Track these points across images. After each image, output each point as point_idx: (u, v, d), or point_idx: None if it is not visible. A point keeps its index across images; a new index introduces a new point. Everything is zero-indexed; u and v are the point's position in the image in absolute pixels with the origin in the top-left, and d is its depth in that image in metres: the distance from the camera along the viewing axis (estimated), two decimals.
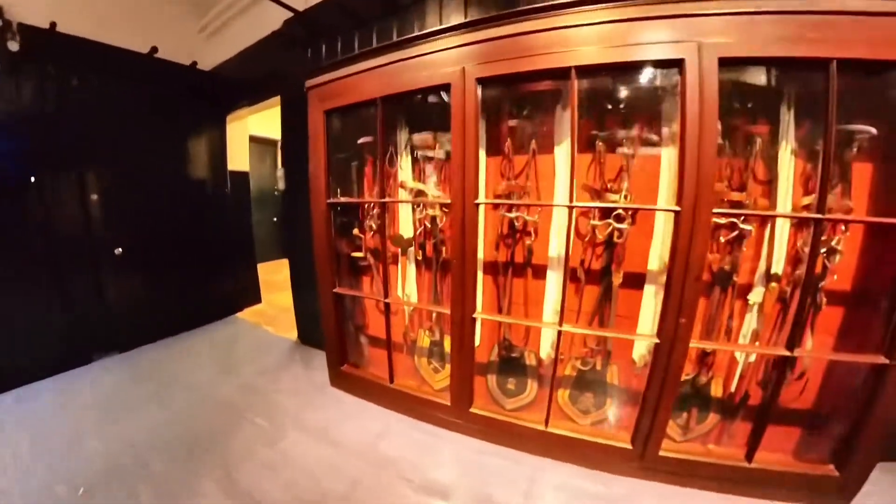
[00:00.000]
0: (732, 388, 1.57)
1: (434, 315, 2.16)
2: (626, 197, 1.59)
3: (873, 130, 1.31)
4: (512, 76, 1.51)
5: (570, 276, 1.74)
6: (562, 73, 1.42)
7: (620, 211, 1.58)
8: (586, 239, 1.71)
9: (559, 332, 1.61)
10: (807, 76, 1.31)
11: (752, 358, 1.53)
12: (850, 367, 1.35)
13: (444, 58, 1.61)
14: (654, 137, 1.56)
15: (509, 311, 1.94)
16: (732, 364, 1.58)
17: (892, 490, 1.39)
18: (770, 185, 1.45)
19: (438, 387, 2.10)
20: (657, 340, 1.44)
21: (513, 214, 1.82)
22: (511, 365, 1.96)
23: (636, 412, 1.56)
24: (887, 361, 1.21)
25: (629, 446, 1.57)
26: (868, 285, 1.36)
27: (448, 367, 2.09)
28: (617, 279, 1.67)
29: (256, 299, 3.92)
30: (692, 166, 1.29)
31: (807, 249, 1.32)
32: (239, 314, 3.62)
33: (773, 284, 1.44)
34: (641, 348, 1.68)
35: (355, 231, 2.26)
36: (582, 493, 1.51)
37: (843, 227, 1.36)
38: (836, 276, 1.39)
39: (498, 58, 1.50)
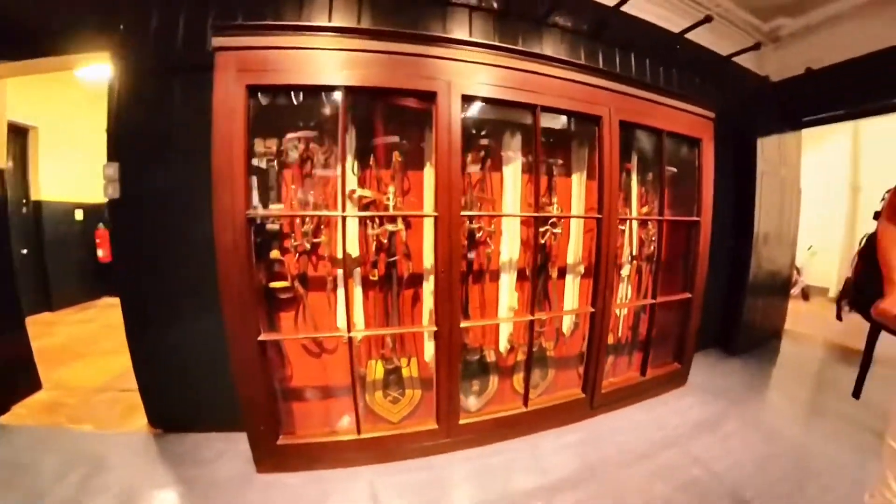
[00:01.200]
0: (619, 334, 2.40)
1: (391, 340, 1.96)
2: (558, 209, 2.12)
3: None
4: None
5: (519, 275, 2.10)
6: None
7: (554, 219, 2.08)
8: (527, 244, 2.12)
9: (531, 322, 1.93)
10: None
11: (625, 311, 2.40)
12: (674, 303, 2.37)
13: (435, 66, 1.60)
14: (561, 164, 2.18)
15: (468, 315, 2.06)
16: (615, 320, 2.38)
17: (703, 367, 2.57)
18: (626, 200, 2.32)
19: (398, 418, 1.93)
20: (592, 310, 2.02)
21: (475, 225, 1.98)
22: (471, 367, 2.08)
23: (570, 373, 2.10)
24: (689, 295, 2.29)
25: (581, 394, 2.08)
26: (674, 256, 2.45)
27: (410, 392, 1.97)
28: (553, 273, 2.16)
29: (33, 384, 2.21)
30: (609, 188, 1.94)
31: (646, 239, 2.25)
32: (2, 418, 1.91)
33: (633, 262, 2.33)
34: (568, 321, 2.24)
35: (274, 254, 1.72)
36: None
37: (655, 225, 2.37)
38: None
39: (471, 78, 1.67)
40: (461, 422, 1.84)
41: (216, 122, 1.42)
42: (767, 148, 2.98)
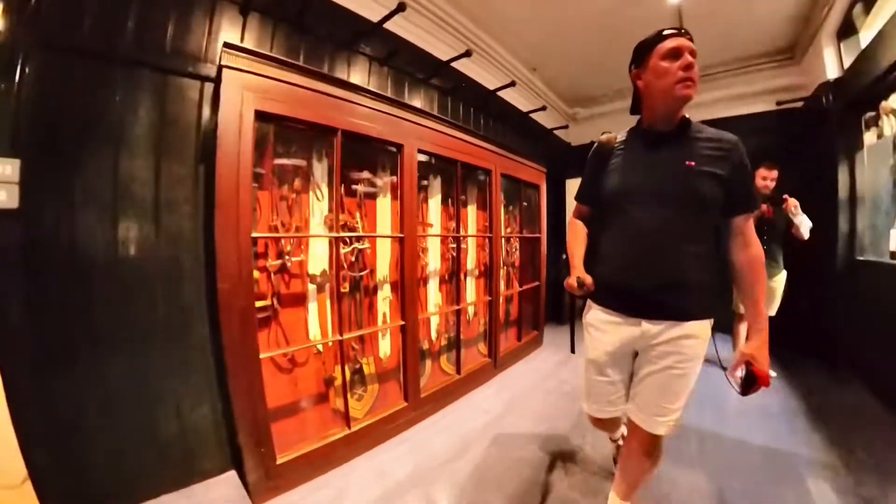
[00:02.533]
0: (503, 316, 3.28)
1: (357, 343, 2.24)
2: (464, 230, 2.86)
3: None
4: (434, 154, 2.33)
5: (441, 280, 2.73)
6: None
7: (461, 237, 2.82)
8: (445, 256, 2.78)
9: (458, 312, 2.59)
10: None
11: (501, 299, 3.32)
12: (530, 290, 3.43)
13: (399, 128, 2.11)
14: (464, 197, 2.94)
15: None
16: (501, 305, 3.28)
17: (552, 334, 3.68)
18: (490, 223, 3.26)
19: (363, 413, 2.24)
20: (489, 298, 2.85)
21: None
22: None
23: (475, 349, 2.87)
24: (538, 283, 3.40)
25: (489, 360, 2.85)
26: (527, 260, 3.52)
27: (371, 387, 2.31)
28: (462, 277, 2.88)
29: None
30: (496, 213, 2.82)
31: (510, 250, 3.25)
32: None
33: (504, 266, 3.28)
34: (471, 310, 3.00)
35: (255, 274, 1.78)
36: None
37: (517, 240, 3.41)
38: (517, 260, 3.44)
39: (428, 140, 2.27)
40: (421, 396, 2.32)
41: (222, 139, 1.47)
42: (572, 185, 4.63)
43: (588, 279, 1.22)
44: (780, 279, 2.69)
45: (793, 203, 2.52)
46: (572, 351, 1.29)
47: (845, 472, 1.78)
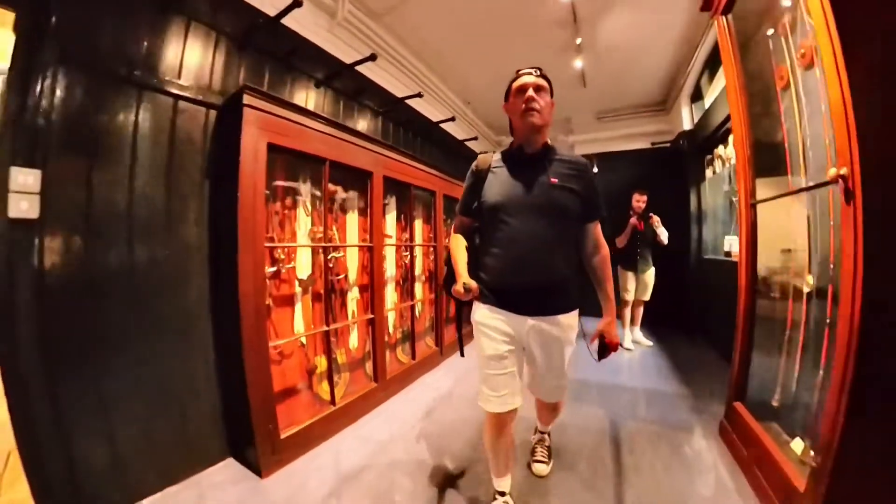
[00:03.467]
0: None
1: (332, 336, 2.62)
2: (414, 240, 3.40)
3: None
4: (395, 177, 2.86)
5: (396, 283, 3.23)
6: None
7: (412, 246, 3.36)
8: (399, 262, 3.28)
9: (412, 307, 3.12)
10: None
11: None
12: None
13: (370, 159, 2.61)
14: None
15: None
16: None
17: None
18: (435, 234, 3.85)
19: (339, 397, 2.64)
20: (434, 296, 3.42)
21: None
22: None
23: (423, 340, 3.42)
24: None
25: (436, 347, 3.40)
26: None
27: (344, 375, 2.71)
28: (413, 280, 3.40)
29: None
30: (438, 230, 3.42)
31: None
32: None
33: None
34: (419, 308, 3.53)
35: None
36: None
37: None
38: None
39: (390, 168, 2.81)
40: (387, 378, 2.78)
41: (243, 165, 1.82)
42: None
43: (473, 284, 1.30)
44: (651, 273, 3.68)
45: (656, 219, 3.51)
46: (461, 354, 1.70)
47: (693, 397, 2.67)
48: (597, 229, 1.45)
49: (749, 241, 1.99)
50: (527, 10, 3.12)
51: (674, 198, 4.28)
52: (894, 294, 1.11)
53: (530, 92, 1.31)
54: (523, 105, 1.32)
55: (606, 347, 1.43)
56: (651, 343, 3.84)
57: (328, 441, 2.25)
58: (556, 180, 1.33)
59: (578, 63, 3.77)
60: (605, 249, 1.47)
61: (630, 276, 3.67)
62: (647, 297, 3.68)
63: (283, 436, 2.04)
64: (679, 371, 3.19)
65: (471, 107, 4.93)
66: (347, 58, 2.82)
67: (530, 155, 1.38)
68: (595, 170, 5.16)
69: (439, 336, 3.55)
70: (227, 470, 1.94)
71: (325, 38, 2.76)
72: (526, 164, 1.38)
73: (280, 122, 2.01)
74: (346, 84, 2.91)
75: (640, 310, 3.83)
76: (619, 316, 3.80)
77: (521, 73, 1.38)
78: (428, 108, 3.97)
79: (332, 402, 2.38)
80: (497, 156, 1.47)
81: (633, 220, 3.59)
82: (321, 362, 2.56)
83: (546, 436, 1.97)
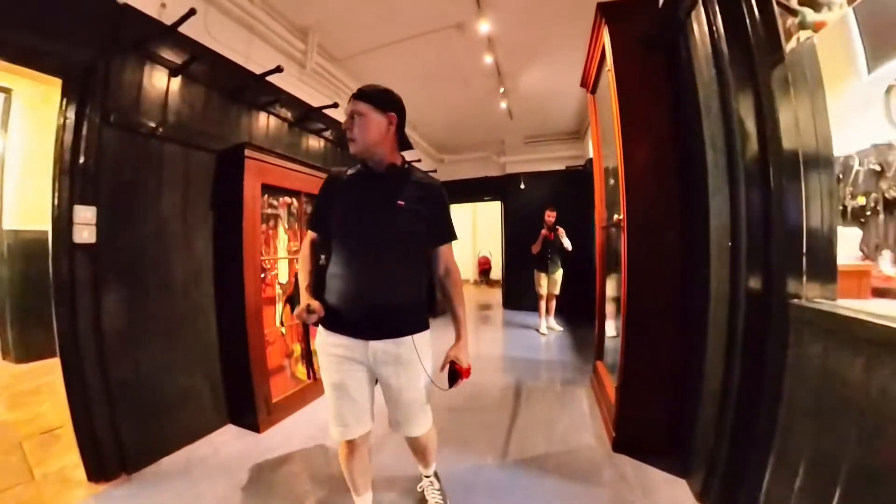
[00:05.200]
0: None
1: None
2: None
3: None
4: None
5: None
6: None
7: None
8: None
9: None
10: None
11: None
12: None
13: None
14: None
15: None
16: None
17: None
18: None
19: (305, 377, 3.35)
20: None
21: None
22: None
23: None
24: None
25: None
26: None
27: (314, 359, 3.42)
28: None
29: None
30: None
31: None
32: None
33: None
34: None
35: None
36: None
37: None
38: None
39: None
40: None
41: (246, 202, 2.52)
42: None
43: (316, 305, 1.24)
44: (560, 273, 4.80)
45: (561, 231, 4.59)
46: (310, 378, 1.75)
47: (582, 364, 3.72)
48: (447, 252, 1.45)
49: (602, 250, 3.00)
50: (462, 64, 3.99)
51: (581, 212, 5.39)
52: (640, 275, 2.12)
53: (348, 121, 1.30)
54: (347, 132, 1.31)
55: (457, 374, 1.33)
56: (561, 329, 4.99)
57: (308, 406, 2.97)
58: (404, 203, 1.31)
59: (503, 105, 4.73)
60: (456, 273, 1.47)
61: (543, 276, 4.73)
62: (557, 291, 4.81)
63: (274, 400, 2.75)
64: (578, 347, 4.26)
65: (417, 131, 5.75)
66: (315, 101, 3.52)
67: (378, 174, 1.35)
68: (522, 186, 6.22)
69: None
70: (230, 432, 2.60)
71: (296, 85, 3.44)
72: (374, 183, 1.35)
73: (270, 167, 2.71)
74: (314, 123, 3.60)
75: (553, 303, 4.94)
76: (536, 308, 4.94)
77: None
78: None
79: (310, 377, 3.10)
80: (353, 170, 1.40)
81: (544, 231, 4.63)
82: (297, 348, 3.26)
83: (433, 478, 1.80)
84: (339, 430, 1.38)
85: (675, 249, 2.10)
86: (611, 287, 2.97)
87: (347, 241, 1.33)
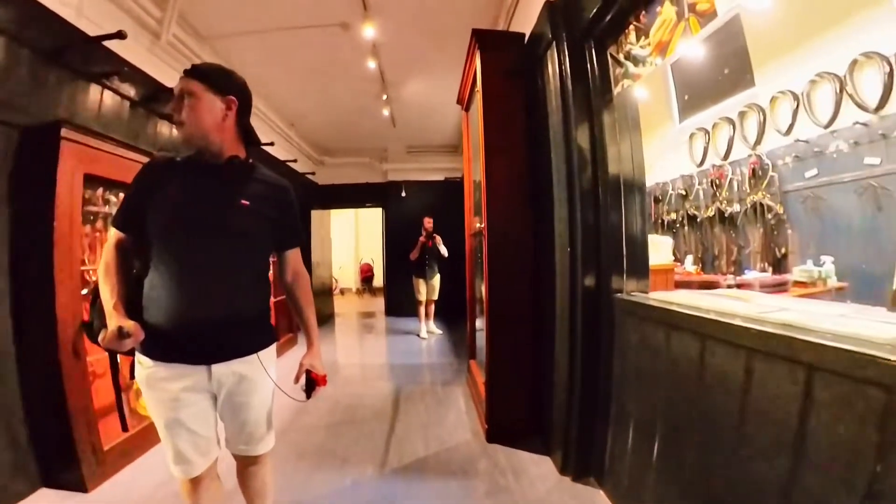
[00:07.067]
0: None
1: None
2: None
3: None
4: None
5: None
6: None
7: None
8: None
9: None
10: None
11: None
12: (283, 303, 4.50)
13: None
14: None
15: None
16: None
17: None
18: None
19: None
20: None
21: None
22: None
23: None
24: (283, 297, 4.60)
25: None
26: (275, 277, 4.62)
27: None
28: None
29: None
30: None
31: None
32: None
33: None
34: None
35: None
36: None
37: None
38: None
39: None
40: None
41: (60, 197, 1.99)
42: (315, 217, 5.96)
43: (131, 325, 1.00)
44: (437, 279, 5.06)
45: (438, 239, 4.89)
46: (124, 429, 1.57)
47: (459, 364, 3.92)
48: (295, 257, 1.36)
49: (471, 256, 3.27)
50: (346, 64, 3.91)
51: (459, 221, 5.76)
52: (499, 278, 2.38)
53: (176, 102, 1.12)
54: (174, 114, 1.13)
55: (314, 383, 1.26)
56: (441, 331, 5.23)
57: (157, 445, 2.46)
58: (248, 202, 1.15)
59: (386, 112, 4.79)
60: (305, 278, 1.40)
61: (421, 282, 4.93)
62: (435, 296, 5.07)
63: (107, 447, 2.20)
64: (457, 348, 4.51)
65: (295, 129, 5.41)
66: (170, 80, 3.02)
67: (217, 167, 1.14)
68: (403, 194, 6.37)
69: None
70: (45, 498, 1.97)
71: (146, 58, 2.90)
72: (212, 178, 1.14)
73: (98, 154, 2.23)
74: (167, 106, 3.09)
75: (432, 307, 5.16)
76: (416, 313, 5.11)
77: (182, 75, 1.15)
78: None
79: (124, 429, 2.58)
80: (179, 159, 1.19)
81: (422, 238, 4.84)
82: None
83: None
84: (181, 468, 1.17)
85: (528, 254, 2.41)
86: (478, 290, 3.24)
87: (176, 245, 1.10)
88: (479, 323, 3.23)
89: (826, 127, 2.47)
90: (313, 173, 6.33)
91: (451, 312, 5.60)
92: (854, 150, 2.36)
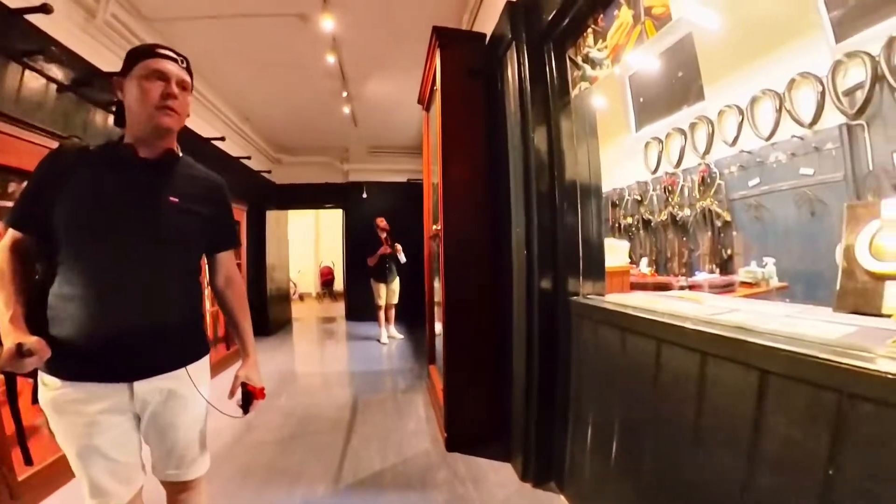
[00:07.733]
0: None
1: None
2: None
3: None
4: None
5: None
6: None
7: None
8: None
9: None
10: None
11: None
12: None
13: None
14: None
15: None
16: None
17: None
18: None
19: None
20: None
21: None
22: None
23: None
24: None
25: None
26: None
27: None
28: None
29: None
30: None
31: None
32: None
33: None
34: None
35: None
36: None
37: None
38: None
39: None
40: None
41: None
42: (271, 218, 5.69)
43: (34, 342, 0.85)
44: (397, 283, 4.96)
45: (398, 247, 4.80)
46: (27, 462, 1.43)
47: (420, 370, 3.84)
48: (229, 260, 1.26)
49: (429, 259, 3.21)
50: (305, 58, 3.72)
51: (421, 223, 5.70)
52: (456, 281, 2.33)
53: (173, 87, 1.01)
54: (160, 100, 0.99)
55: (251, 396, 1.18)
56: (402, 336, 5.11)
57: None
58: (178, 200, 1.05)
59: (347, 109, 4.65)
60: (239, 283, 1.29)
61: (381, 286, 4.81)
62: (395, 300, 4.95)
63: (22, 477, 1.90)
64: (417, 353, 4.41)
65: (249, 123, 5.13)
66: (105, 64, 2.74)
67: (148, 161, 1.04)
68: (364, 195, 6.22)
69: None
70: None
71: (78, 37, 2.62)
72: (140, 172, 1.03)
73: (13, 142, 1.97)
74: (101, 93, 2.80)
75: (392, 311, 5.04)
76: (376, 318, 4.99)
77: (160, 51, 1.04)
78: (199, 124, 4.02)
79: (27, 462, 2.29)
80: (94, 149, 1.05)
81: (382, 249, 4.74)
82: None
83: None
84: (98, 502, 1.01)
85: (485, 258, 2.37)
86: (437, 293, 3.19)
87: (91, 247, 0.97)
88: (439, 327, 3.17)
89: (767, 139, 2.64)
90: (269, 171, 6.03)
91: (413, 316, 5.51)
92: (791, 161, 2.53)
